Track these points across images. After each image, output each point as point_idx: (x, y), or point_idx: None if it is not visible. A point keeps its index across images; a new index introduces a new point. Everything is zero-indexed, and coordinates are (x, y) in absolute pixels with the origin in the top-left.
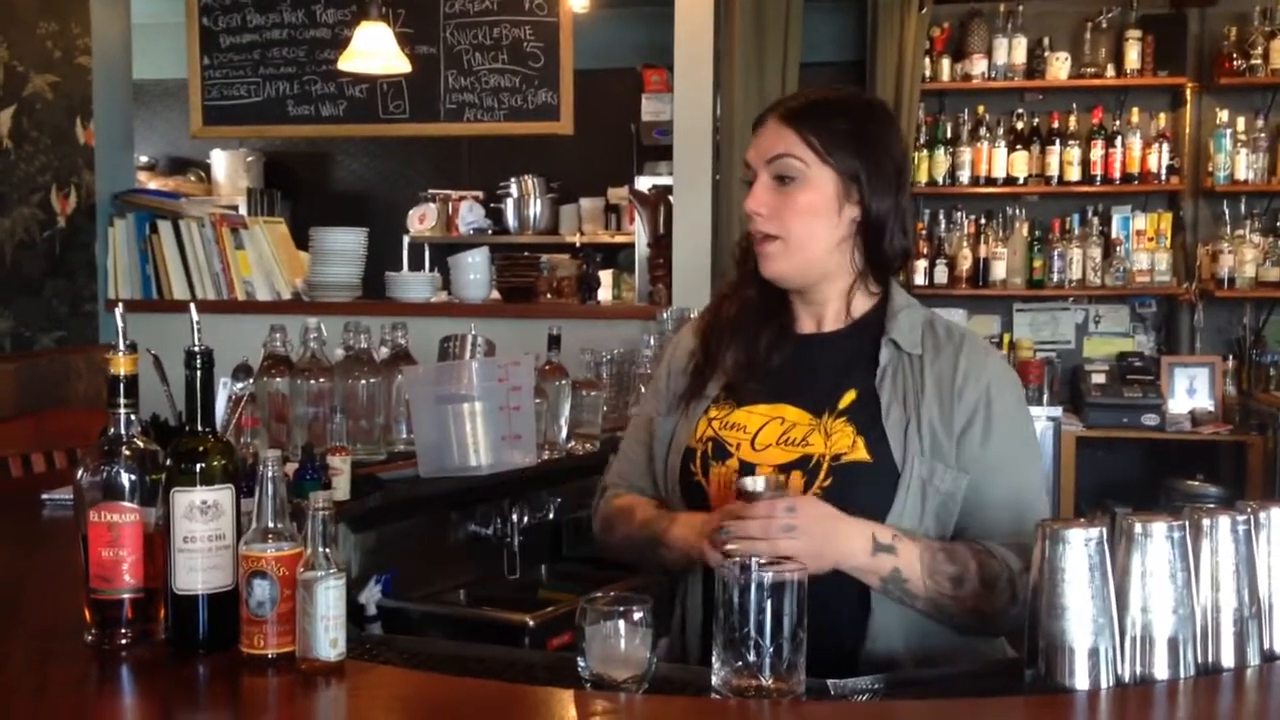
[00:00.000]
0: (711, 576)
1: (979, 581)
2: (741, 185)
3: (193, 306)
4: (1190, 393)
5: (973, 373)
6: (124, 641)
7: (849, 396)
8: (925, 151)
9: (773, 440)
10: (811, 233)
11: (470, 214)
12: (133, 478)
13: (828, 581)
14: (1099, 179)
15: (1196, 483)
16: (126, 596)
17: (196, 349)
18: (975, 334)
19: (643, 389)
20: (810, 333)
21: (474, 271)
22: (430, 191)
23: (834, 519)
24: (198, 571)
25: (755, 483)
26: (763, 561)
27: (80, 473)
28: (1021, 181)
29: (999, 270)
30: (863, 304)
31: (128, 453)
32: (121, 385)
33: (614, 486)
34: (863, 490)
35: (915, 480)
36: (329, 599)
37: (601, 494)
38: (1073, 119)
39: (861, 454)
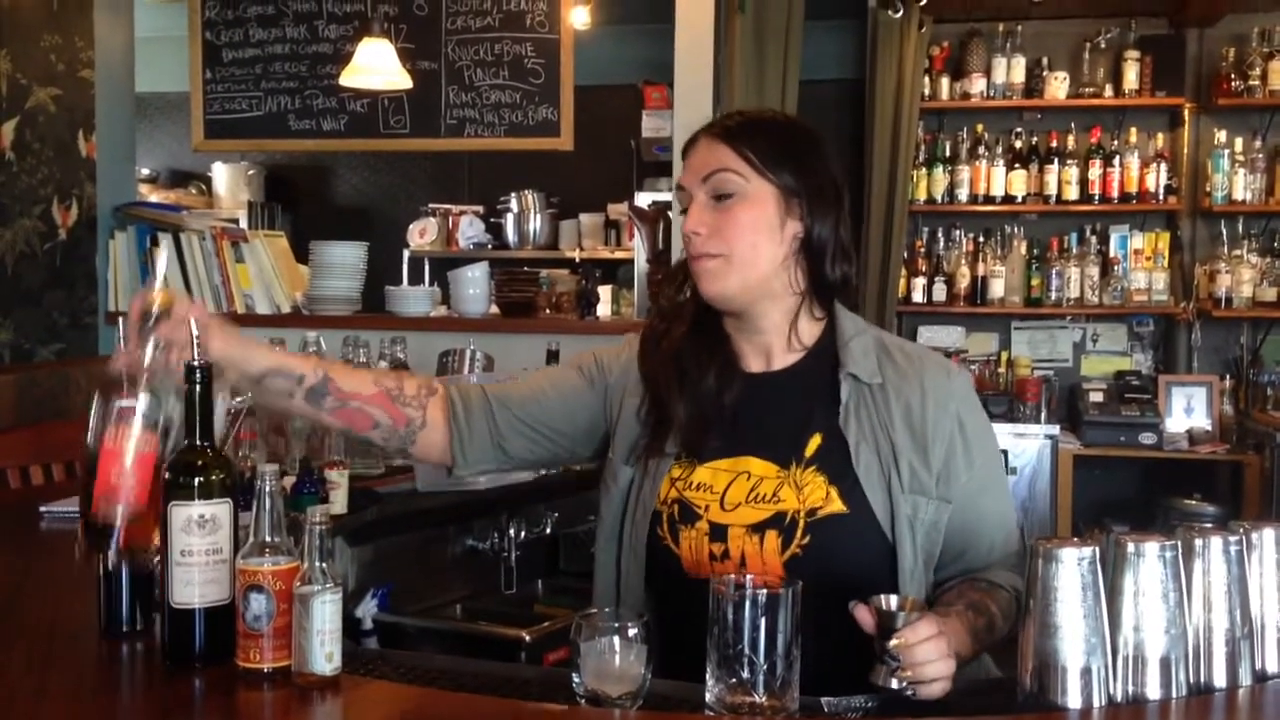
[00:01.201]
0: (665, 620)
1: (1001, 619)
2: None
3: (193, 321)
4: (1187, 412)
5: (940, 398)
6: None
7: (814, 442)
8: (924, 170)
9: (742, 499)
10: (756, 249)
11: (470, 229)
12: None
13: (848, 615)
14: (1097, 198)
15: (1193, 502)
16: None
17: (196, 363)
18: (929, 351)
19: (591, 358)
20: (760, 371)
21: (473, 286)
22: (430, 206)
23: None
24: (194, 585)
25: (890, 602)
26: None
27: (100, 399)
28: (1020, 200)
29: (997, 288)
30: (810, 332)
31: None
32: (153, 319)
33: (477, 385)
34: (843, 545)
35: (903, 520)
36: (325, 613)
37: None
38: (1071, 138)
39: (837, 505)
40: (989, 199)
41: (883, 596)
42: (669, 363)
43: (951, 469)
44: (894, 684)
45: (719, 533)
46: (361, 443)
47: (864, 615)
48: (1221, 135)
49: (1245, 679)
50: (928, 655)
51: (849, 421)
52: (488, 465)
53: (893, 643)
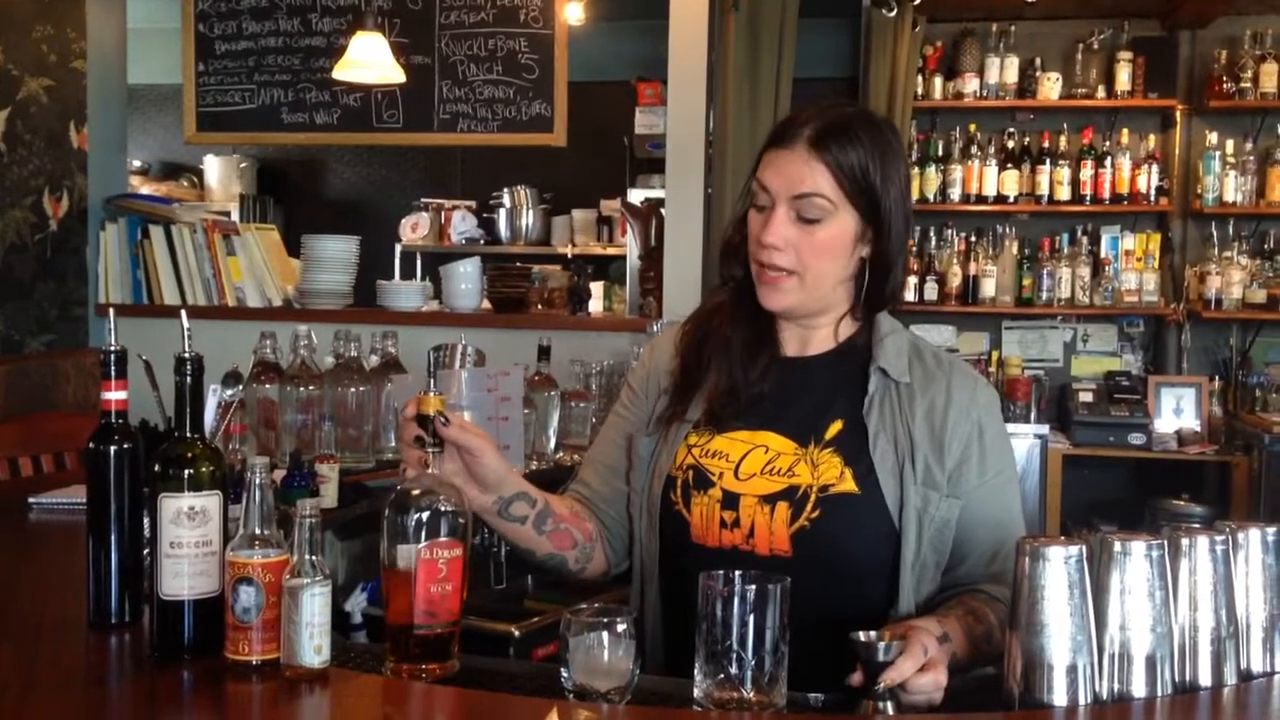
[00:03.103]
0: (670, 587)
1: (1000, 631)
2: (735, 199)
3: (183, 313)
4: (1177, 412)
5: (963, 403)
6: (424, 669)
7: (835, 427)
8: (917, 169)
9: (757, 470)
10: (825, 271)
11: (463, 223)
12: (449, 509)
13: (851, 599)
14: (1089, 199)
15: (1182, 502)
16: (443, 630)
17: (186, 355)
18: (960, 361)
19: (627, 388)
20: (795, 355)
21: (465, 281)
22: (423, 200)
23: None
24: (184, 577)
25: (870, 639)
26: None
27: (390, 513)
28: (1012, 200)
29: (988, 288)
30: (848, 328)
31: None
32: (431, 427)
33: (572, 490)
34: (851, 524)
35: (911, 511)
36: (314, 606)
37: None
38: (1063, 139)
39: (849, 485)
40: (981, 199)
41: (862, 635)
42: (717, 336)
43: (964, 470)
44: (889, 714)
45: (731, 501)
46: (550, 570)
47: (856, 678)
48: (1213, 137)
49: (1230, 678)
50: (924, 687)
51: (871, 412)
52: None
53: (880, 686)
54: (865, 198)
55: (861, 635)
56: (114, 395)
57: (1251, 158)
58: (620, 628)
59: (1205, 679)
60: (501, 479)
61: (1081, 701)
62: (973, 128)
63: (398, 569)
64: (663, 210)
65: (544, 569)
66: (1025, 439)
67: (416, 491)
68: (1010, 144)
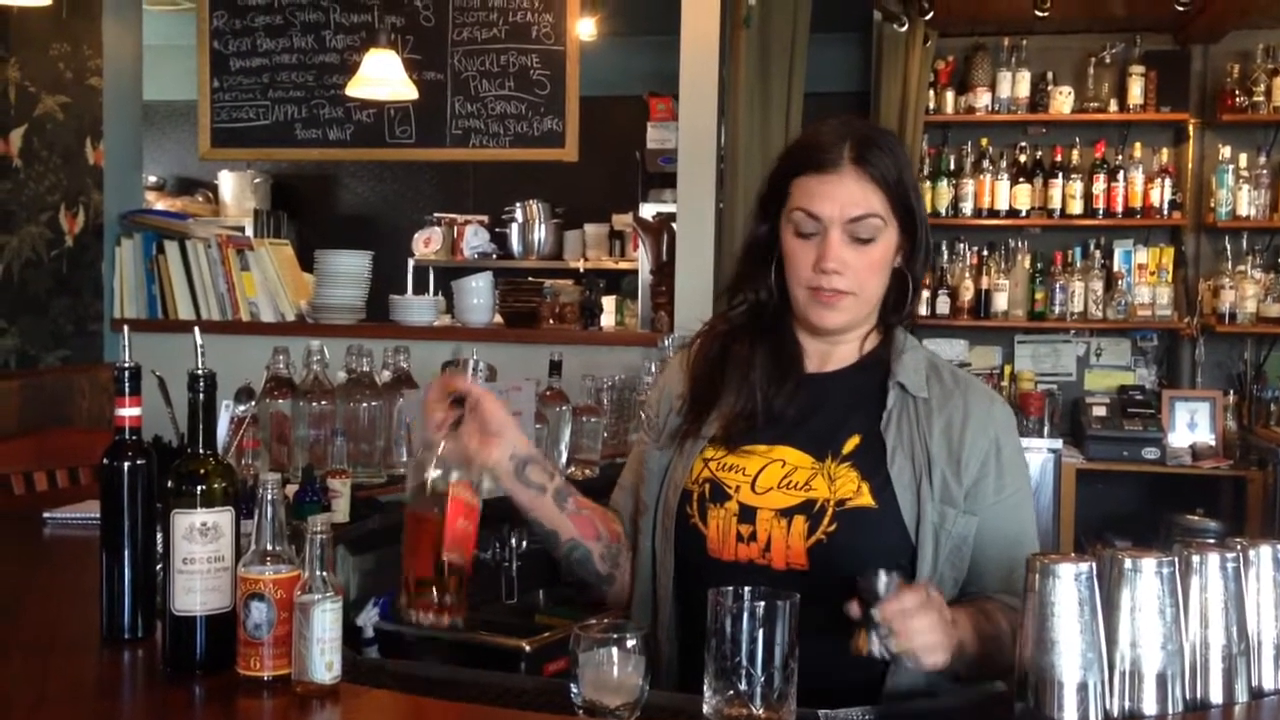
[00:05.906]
0: (684, 606)
1: (1009, 638)
2: (746, 214)
3: (196, 330)
4: (1191, 427)
5: (980, 420)
6: (441, 609)
7: (853, 441)
8: (929, 183)
9: (774, 484)
10: (877, 287)
11: (475, 238)
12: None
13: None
14: (1101, 212)
15: (1196, 517)
16: (458, 561)
17: (199, 372)
18: (976, 378)
19: (643, 416)
20: (814, 371)
21: (477, 296)
22: (435, 215)
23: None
24: (196, 593)
25: (878, 579)
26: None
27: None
28: (1024, 214)
29: (1001, 302)
30: (871, 342)
31: None
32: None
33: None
34: (867, 538)
35: (928, 526)
36: (325, 622)
37: None
38: (1075, 153)
39: (867, 499)
40: (993, 213)
41: (869, 575)
42: (737, 357)
43: (981, 487)
44: (875, 651)
45: (748, 514)
46: (576, 568)
47: (854, 608)
48: (1226, 151)
49: (1241, 695)
50: (919, 630)
51: (889, 427)
52: None
53: (876, 613)
54: (905, 209)
55: (869, 574)
56: (128, 411)
57: (1265, 171)
58: (630, 643)
59: (1216, 696)
60: (504, 423)
61: (1092, 719)
62: (984, 142)
63: (420, 512)
64: (674, 225)
65: (570, 566)
66: (1039, 453)
67: (438, 454)
68: (1022, 158)
